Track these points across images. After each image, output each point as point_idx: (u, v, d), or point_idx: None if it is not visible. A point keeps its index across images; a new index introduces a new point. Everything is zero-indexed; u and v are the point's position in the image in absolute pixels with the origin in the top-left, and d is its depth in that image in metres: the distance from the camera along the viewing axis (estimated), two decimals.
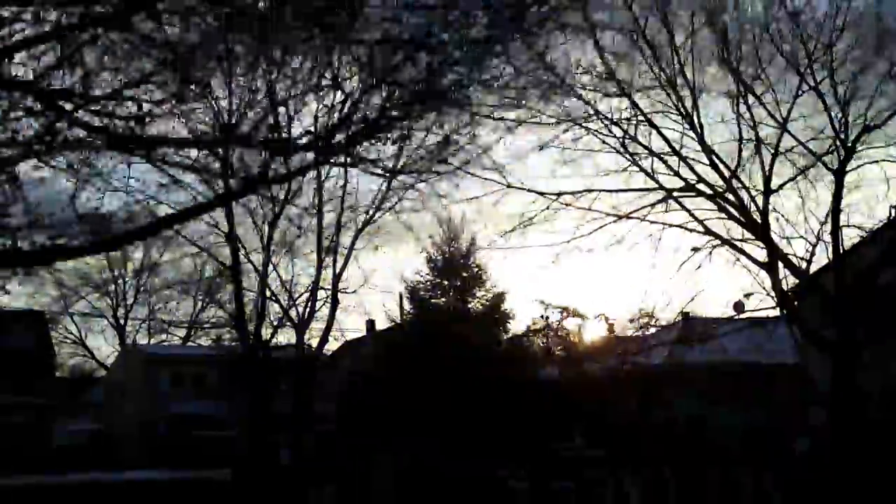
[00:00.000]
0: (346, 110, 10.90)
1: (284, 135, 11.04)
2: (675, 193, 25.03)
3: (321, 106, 11.29)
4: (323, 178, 32.84)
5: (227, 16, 9.36)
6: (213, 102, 11.55)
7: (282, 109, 10.99)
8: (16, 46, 9.33)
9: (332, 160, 12.34)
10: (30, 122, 10.21)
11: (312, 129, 11.39)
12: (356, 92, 10.89)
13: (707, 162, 24.67)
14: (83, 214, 11.77)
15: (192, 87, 10.12)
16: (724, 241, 24.96)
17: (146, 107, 10.26)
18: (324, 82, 10.79)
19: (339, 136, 11.15)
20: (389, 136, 11.35)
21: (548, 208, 25.15)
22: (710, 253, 24.86)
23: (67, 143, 10.31)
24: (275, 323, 37.44)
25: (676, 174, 24.93)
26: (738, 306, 26.70)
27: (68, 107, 9.98)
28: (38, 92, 9.64)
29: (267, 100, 10.69)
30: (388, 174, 13.12)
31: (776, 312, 26.82)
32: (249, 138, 10.82)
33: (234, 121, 10.94)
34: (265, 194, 32.49)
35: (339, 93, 10.97)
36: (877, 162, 24.31)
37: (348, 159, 12.66)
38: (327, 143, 11.07)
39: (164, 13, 9.33)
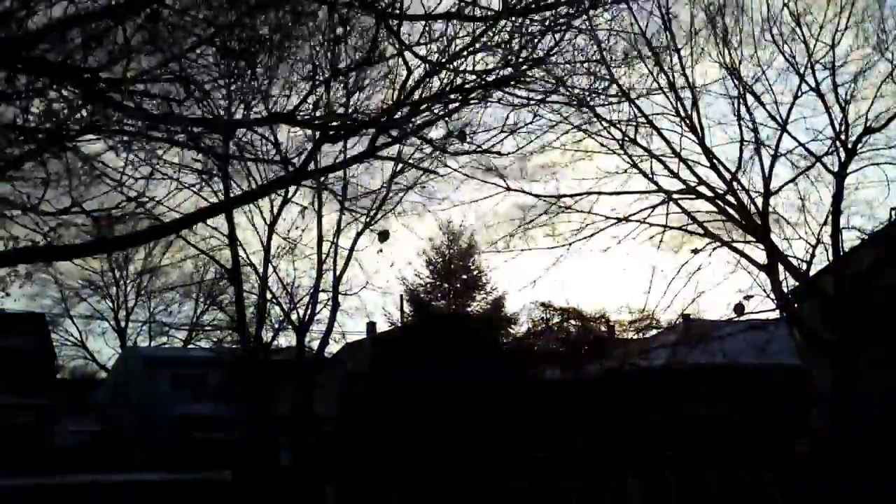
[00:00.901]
0: (402, 91, 10.81)
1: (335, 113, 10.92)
2: (675, 196, 25.09)
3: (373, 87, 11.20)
4: (323, 179, 32.81)
5: None
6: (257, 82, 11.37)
7: (327, 89, 10.88)
8: (48, 29, 9.20)
9: (394, 142, 12.12)
10: (61, 105, 10.09)
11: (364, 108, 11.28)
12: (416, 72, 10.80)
13: (707, 164, 24.75)
14: (87, 213, 11.77)
15: (236, 63, 9.97)
16: (725, 243, 25.00)
17: (182, 84, 10.06)
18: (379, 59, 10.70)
19: (397, 115, 11.04)
20: (447, 116, 11.34)
21: (547, 212, 25.24)
22: (711, 255, 24.93)
23: (100, 126, 10.17)
24: (276, 325, 37.52)
25: (676, 176, 25.00)
26: (739, 308, 26.70)
27: (102, 87, 9.78)
28: (72, 73, 9.48)
29: (317, 77, 10.57)
30: (441, 151, 13.01)
31: (776, 314, 26.87)
32: (302, 118, 10.68)
33: (277, 102, 10.82)
34: (265, 197, 32.57)
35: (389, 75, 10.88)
36: (877, 164, 24.36)
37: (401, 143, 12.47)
38: (389, 120, 10.93)
39: None
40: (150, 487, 27.51)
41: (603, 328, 35.34)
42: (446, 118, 11.49)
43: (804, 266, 24.61)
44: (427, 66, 10.65)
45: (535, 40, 10.86)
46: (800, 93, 24.20)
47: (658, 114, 24.64)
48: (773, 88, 24.50)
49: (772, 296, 25.02)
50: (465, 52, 10.72)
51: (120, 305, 67.23)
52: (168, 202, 12.58)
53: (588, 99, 20.82)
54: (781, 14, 23.85)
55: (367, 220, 34.46)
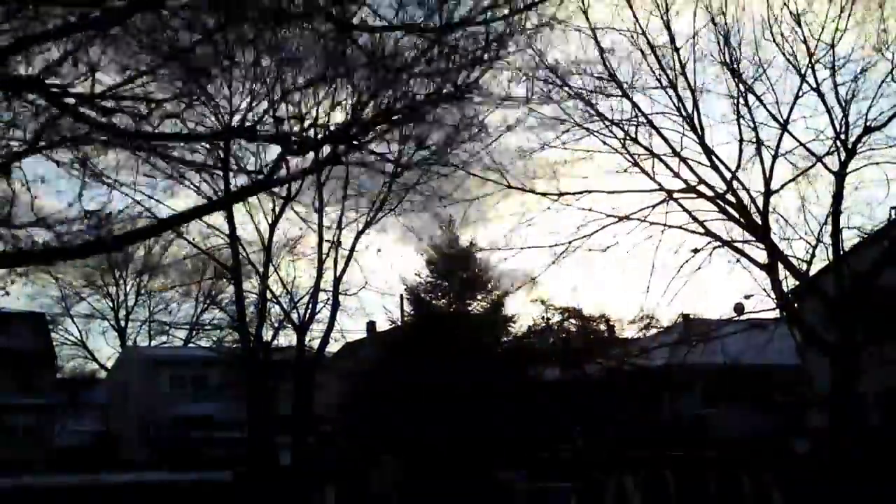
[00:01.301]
0: (359, 103, 10.88)
1: (294, 129, 11.01)
2: (675, 195, 25.04)
3: (331, 100, 11.30)
4: (323, 179, 32.82)
5: (231, 7, 9.34)
6: (218, 96, 11.54)
7: (287, 104, 10.93)
8: (19, 44, 9.32)
9: (345, 155, 12.23)
10: (34, 118, 10.20)
11: (322, 123, 11.38)
12: (369, 85, 10.87)
13: (707, 163, 24.69)
14: (85, 213, 11.79)
15: (197, 80, 10.08)
16: (725, 243, 24.96)
17: (146, 102, 10.20)
18: (333, 74, 10.76)
19: (354, 129, 11.11)
20: (402, 129, 11.43)
21: (549, 209, 25.22)
22: (711, 254, 24.89)
23: (70, 138, 10.29)
24: (276, 325, 37.50)
25: (677, 175, 24.96)
26: (739, 308, 26.70)
27: (71, 102, 9.92)
28: (42, 88, 9.59)
29: (275, 93, 10.67)
30: (398, 167, 13.21)
31: (776, 314, 26.85)
32: (256, 133, 10.78)
33: (239, 116, 10.95)
34: (266, 196, 32.60)
35: (348, 87, 10.99)
36: (877, 163, 24.30)
37: (360, 153, 12.59)
38: (344, 136, 11.01)
39: (167, 9, 9.30)
40: (150, 487, 27.51)
41: (603, 328, 35.33)
42: (400, 130, 11.61)
43: (804, 266, 24.58)
44: (382, 76, 10.75)
45: (480, 54, 10.94)
46: (800, 92, 24.18)
47: (659, 113, 24.65)
48: (774, 88, 24.48)
49: (772, 295, 24.99)
50: (416, 64, 10.79)
51: (120, 305, 67.33)
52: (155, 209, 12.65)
53: (589, 97, 20.92)
54: (782, 13, 23.81)
55: (368, 219, 34.49)
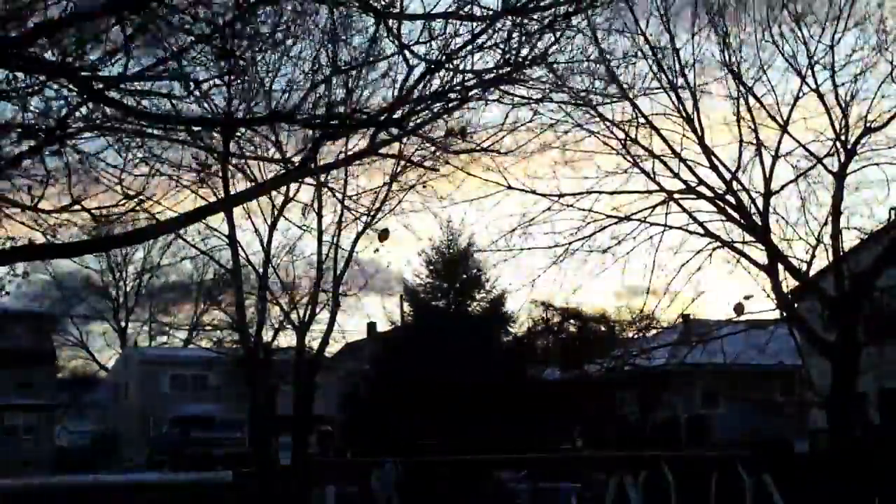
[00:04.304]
0: (405, 87, 10.79)
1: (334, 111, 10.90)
2: (675, 195, 25.04)
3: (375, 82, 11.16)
4: (323, 178, 32.72)
5: None
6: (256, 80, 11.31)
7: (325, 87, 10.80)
8: (45, 27, 9.17)
9: (388, 144, 12.06)
10: (59, 103, 10.08)
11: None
12: (416, 69, 10.78)
13: (708, 164, 24.71)
14: (90, 209, 11.77)
15: (233, 61, 9.93)
16: (725, 243, 24.98)
17: (182, 82, 10.00)
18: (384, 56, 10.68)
19: (398, 113, 11.01)
20: (446, 114, 11.32)
21: (549, 209, 25.20)
22: (711, 255, 24.89)
23: (99, 125, 10.17)
24: (275, 325, 37.48)
25: (677, 176, 24.95)
26: (738, 308, 26.68)
27: (99, 87, 9.72)
28: (68, 72, 9.43)
29: (318, 75, 10.54)
30: (443, 150, 13.08)
31: (776, 314, 26.86)
32: (302, 117, 10.65)
33: (276, 99, 10.77)
34: (265, 195, 32.52)
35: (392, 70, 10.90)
36: (877, 164, 24.32)
37: (407, 137, 12.46)
38: (387, 119, 10.89)
39: None
40: (150, 487, 27.54)
41: (603, 328, 35.37)
42: (446, 116, 11.48)
43: (804, 266, 24.59)
44: (426, 64, 10.63)
45: (534, 39, 10.83)
46: (800, 93, 24.21)
47: (659, 114, 24.63)
48: (774, 89, 24.50)
49: (772, 296, 25.00)
50: (463, 51, 10.71)
51: (120, 305, 67.38)
52: (166, 201, 12.57)
53: (590, 98, 20.95)
54: (781, 14, 23.81)
55: (368, 220, 34.40)
